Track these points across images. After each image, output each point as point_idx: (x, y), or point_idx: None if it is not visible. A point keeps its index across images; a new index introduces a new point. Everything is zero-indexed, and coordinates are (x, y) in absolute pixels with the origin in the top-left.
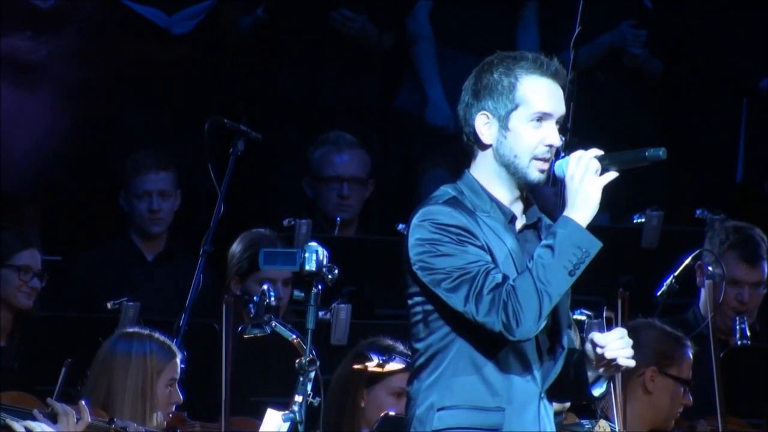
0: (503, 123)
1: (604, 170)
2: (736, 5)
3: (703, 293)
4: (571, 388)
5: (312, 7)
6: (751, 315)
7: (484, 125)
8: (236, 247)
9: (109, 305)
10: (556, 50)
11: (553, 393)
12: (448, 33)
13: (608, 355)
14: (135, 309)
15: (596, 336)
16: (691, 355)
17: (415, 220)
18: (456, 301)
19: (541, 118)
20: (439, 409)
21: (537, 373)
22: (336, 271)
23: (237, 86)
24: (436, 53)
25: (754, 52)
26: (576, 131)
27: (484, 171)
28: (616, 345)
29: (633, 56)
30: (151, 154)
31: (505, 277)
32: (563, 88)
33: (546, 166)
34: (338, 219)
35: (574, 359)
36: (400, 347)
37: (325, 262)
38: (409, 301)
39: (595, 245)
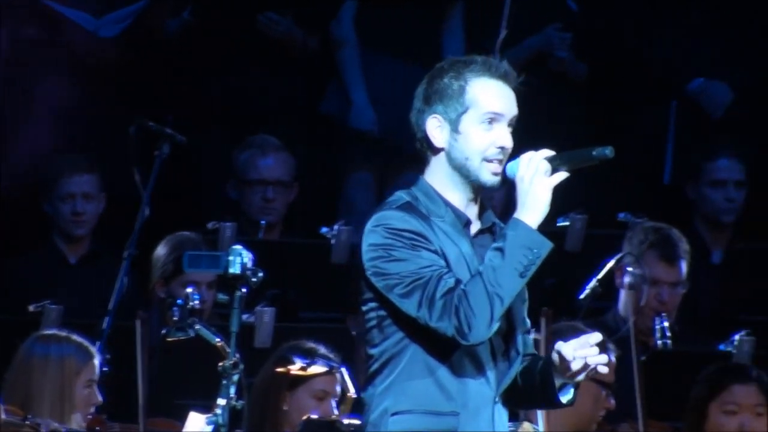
0: (454, 126)
1: (554, 171)
2: (663, 7)
3: (623, 295)
4: (538, 396)
5: (238, 10)
6: (671, 315)
7: (436, 129)
8: (161, 250)
9: (31, 308)
10: (482, 54)
11: (520, 401)
12: (373, 37)
13: (588, 361)
14: (58, 312)
15: (564, 349)
16: (613, 358)
17: (368, 226)
18: (409, 306)
19: (492, 119)
20: (393, 414)
21: (491, 377)
22: (260, 274)
23: (163, 89)
24: (361, 57)
25: (682, 54)
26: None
27: (438, 175)
28: (590, 352)
29: (559, 59)
30: (75, 157)
31: (458, 282)
32: (514, 90)
33: (499, 168)
34: (263, 222)
35: (539, 367)
36: (323, 350)
37: (249, 265)
38: (364, 307)
39: (546, 246)
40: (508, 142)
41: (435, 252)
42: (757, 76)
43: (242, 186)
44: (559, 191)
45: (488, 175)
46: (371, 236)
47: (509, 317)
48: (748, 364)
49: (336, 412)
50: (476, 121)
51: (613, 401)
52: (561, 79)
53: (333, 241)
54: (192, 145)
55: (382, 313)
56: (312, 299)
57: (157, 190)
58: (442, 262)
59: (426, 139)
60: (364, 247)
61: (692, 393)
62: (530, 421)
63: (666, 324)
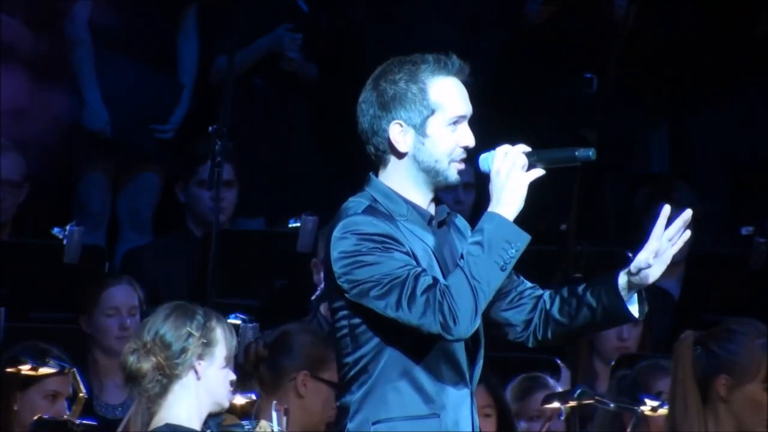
0: (420, 130)
1: (531, 166)
2: (393, 6)
3: None
4: (601, 320)
5: None
6: None
7: (399, 134)
8: None
9: None
10: (215, 55)
11: (566, 336)
12: (108, 37)
13: (672, 251)
14: None
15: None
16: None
17: (336, 233)
18: (386, 307)
19: (457, 121)
20: (374, 422)
21: (467, 374)
22: None
23: None
24: (95, 57)
25: (408, 53)
26: (233, 136)
27: (398, 177)
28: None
29: (289, 60)
30: None
31: (436, 279)
32: (466, 84)
33: (462, 166)
34: None
35: (589, 293)
36: (55, 351)
37: None
38: (335, 315)
39: (524, 238)
40: (472, 142)
41: (406, 253)
42: (485, 77)
43: None
44: (290, 192)
45: (455, 174)
46: (341, 244)
47: None
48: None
49: (68, 412)
50: (443, 124)
51: None
52: (292, 79)
53: (65, 242)
54: None
55: (355, 320)
56: (43, 300)
57: None
58: (415, 263)
59: (388, 144)
60: (334, 255)
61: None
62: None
63: None
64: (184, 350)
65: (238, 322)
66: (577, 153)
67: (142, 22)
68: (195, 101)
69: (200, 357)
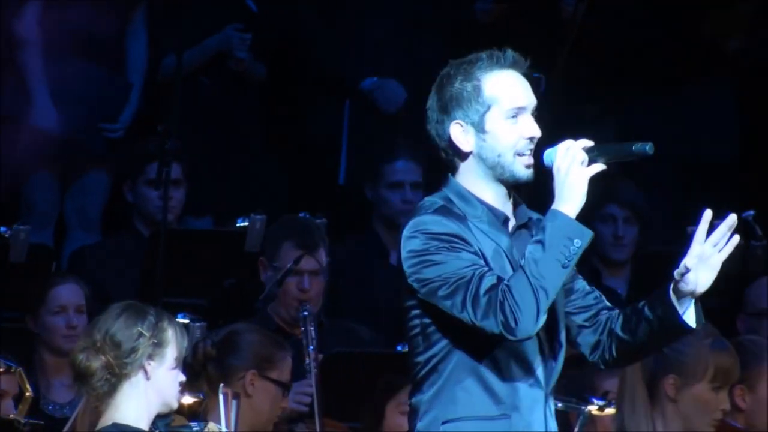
0: (479, 127)
1: (591, 161)
2: (338, 7)
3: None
4: (659, 334)
5: None
6: (316, 303)
7: (460, 134)
8: None
9: None
10: (163, 54)
11: (633, 355)
12: (57, 37)
13: (720, 258)
14: None
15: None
16: (290, 359)
17: (406, 232)
18: (453, 307)
19: (516, 113)
20: (444, 422)
21: (541, 376)
22: None
23: None
24: (44, 57)
25: (356, 53)
26: (181, 135)
27: (470, 177)
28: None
29: (238, 60)
30: None
31: (500, 278)
32: (526, 76)
33: (531, 160)
34: None
35: (646, 308)
36: (1, 350)
37: None
38: (407, 315)
39: (586, 235)
40: (537, 132)
41: (474, 253)
42: (429, 76)
43: None
44: (239, 191)
45: (522, 169)
46: (410, 243)
47: (551, 310)
48: None
49: (14, 411)
50: (501, 118)
51: (294, 398)
52: (241, 78)
53: (11, 241)
54: None
55: (426, 320)
56: None
57: None
58: (483, 263)
59: (452, 146)
60: (404, 254)
61: (370, 393)
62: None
63: (307, 313)
64: (134, 350)
65: (186, 321)
66: (634, 147)
67: (90, 21)
68: (144, 101)
69: (150, 357)
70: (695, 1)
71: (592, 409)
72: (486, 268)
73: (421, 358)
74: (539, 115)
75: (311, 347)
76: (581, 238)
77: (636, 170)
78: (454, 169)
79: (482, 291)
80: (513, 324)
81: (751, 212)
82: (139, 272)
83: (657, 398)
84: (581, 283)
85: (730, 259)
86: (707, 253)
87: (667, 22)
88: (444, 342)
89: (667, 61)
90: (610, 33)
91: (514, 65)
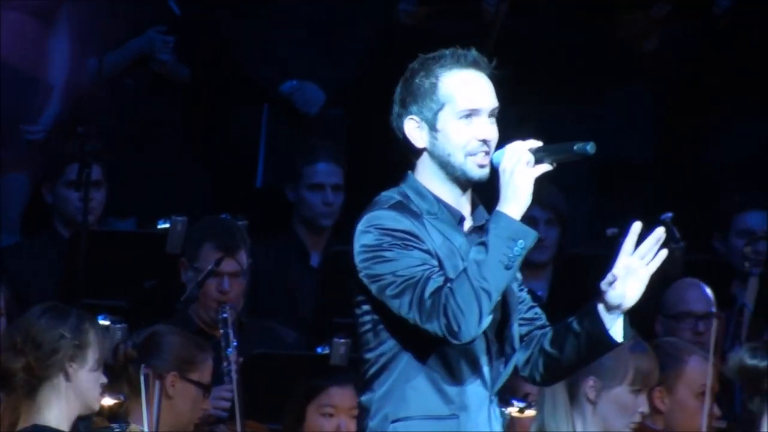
0: (432, 125)
1: (538, 162)
2: (259, 8)
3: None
4: (587, 349)
5: None
6: (236, 305)
7: (414, 129)
8: None
9: None
10: (85, 56)
11: (562, 371)
12: None
13: (650, 264)
14: None
15: (627, 260)
16: (211, 360)
17: (360, 227)
18: (400, 307)
19: (469, 114)
20: (393, 421)
21: (488, 377)
22: None
23: None
24: None
25: (274, 57)
26: (103, 137)
27: (426, 174)
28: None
29: (161, 62)
30: None
31: (446, 280)
32: (490, 76)
33: (485, 160)
34: None
35: (575, 323)
36: None
37: None
38: (357, 311)
39: (531, 235)
40: (489, 134)
41: (427, 251)
42: (349, 78)
43: None
44: (160, 193)
45: (475, 168)
46: (363, 237)
47: (504, 311)
48: (344, 366)
49: None
50: (453, 117)
51: (212, 403)
52: (163, 80)
53: None
54: None
55: (377, 317)
56: None
57: None
58: (434, 262)
59: (407, 142)
60: (356, 248)
61: (291, 395)
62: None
63: (227, 315)
64: (55, 351)
65: (107, 323)
66: (575, 147)
67: (12, 22)
68: (65, 102)
69: (72, 359)
70: (610, 3)
71: (513, 411)
72: (435, 269)
73: (371, 355)
74: (503, 117)
75: (230, 350)
76: (525, 239)
77: (557, 171)
78: (412, 166)
79: (427, 293)
80: (455, 327)
81: (669, 214)
82: (59, 274)
83: (577, 400)
84: (526, 296)
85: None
86: (634, 265)
87: (584, 24)
88: (394, 340)
89: (586, 63)
90: (530, 35)
91: (474, 65)
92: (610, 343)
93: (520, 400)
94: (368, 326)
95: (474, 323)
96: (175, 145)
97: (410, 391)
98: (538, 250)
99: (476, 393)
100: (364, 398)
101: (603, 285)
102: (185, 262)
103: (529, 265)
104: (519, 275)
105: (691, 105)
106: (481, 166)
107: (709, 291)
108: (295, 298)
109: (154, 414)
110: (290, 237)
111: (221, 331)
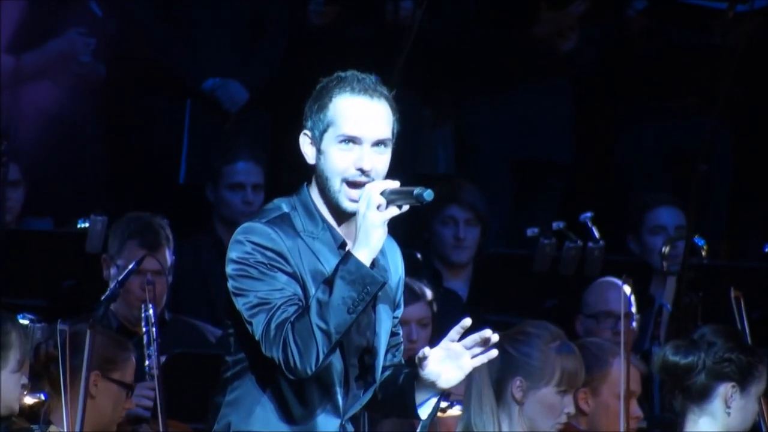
0: (318, 144)
1: (389, 204)
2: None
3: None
4: (397, 409)
5: None
6: (159, 303)
7: (307, 145)
8: None
9: None
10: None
11: (381, 411)
12: None
13: (472, 363)
14: None
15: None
16: (133, 359)
17: (237, 234)
18: (253, 328)
19: (349, 140)
20: None
21: (341, 404)
22: None
23: None
24: None
25: (198, 53)
26: (20, 136)
27: (316, 191)
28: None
29: (81, 64)
30: None
31: (297, 310)
32: (388, 103)
33: (354, 194)
34: None
35: (402, 380)
36: None
37: None
38: (227, 311)
39: (376, 283)
40: (368, 164)
41: (292, 275)
42: (271, 77)
43: None
44: (79, 192)
45: (346, 201)
46: (236, 247)
47: (374, 342)
48: None
49: None
50: (334, 141)
51: (135, 401)
52: (81, 79)
53: None
54: None
55: (240, 325)
56: None
57: None
58: (296, 287)
59: (302, 155)
60: (229, 254)
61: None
62: (50, 422)
63: (150, 312)
64: None
65: (26, 322)
66: (414, 192)
67: None
68: None
69: None
70: (527, 3)
71: None
72: (292, 297)
73: (230, 359)
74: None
75: (152, 348)
76: (370, 286)
77: (475, 171)
78: (309, 179)
79: (273, 323)
80: (292, 364)
81: (589, 214)
82: None
83: (504, 400)
84: (400, 331)
85: (570, 261)
86: (457, 352)
87: (501, 23)
88: (252, 351)
89: (503, 63)
90: (445, 35)
91: (365, 91)
92: (414, 415)
93: (443, 398)
94: (231, 330)
95: (309, 362)
96: (95, 143)
97: (257, 407)
98: (458, 251)
99: (325, 419)
100: (215, 398)
101: (417, 359)
102: (107, 259)
103: (449, 265)
104: (401, 309)
105: (605, 106)
106: (352, 201)
107: (628, 290)
108: (216, 297)
109: (78, 414)
110: (210, 236)
111: (144, 329)
